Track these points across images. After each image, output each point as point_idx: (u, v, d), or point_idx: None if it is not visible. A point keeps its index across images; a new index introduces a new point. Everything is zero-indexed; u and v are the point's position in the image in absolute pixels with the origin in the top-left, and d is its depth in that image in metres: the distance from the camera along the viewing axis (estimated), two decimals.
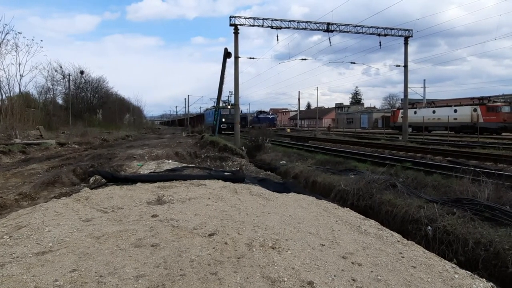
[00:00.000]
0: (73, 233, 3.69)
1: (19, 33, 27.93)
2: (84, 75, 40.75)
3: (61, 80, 37.55)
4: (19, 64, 25.31)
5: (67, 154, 14.73)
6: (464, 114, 34.19)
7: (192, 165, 10.73)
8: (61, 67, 36.85)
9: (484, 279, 3.15)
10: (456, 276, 3.05)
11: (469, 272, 3.25)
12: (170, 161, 11.68)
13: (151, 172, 8.78)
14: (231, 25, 22.76)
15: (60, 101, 38.85)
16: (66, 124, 30.13)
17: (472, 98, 36.44)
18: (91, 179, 8.17)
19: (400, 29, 25.82)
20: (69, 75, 36.74)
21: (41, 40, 45.88)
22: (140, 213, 4.51)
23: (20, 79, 25.56)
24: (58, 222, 4.10)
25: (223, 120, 39.25)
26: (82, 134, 25.07)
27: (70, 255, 3.10)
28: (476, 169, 8.46)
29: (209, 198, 5.48)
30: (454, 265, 3.41)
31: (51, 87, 35.98)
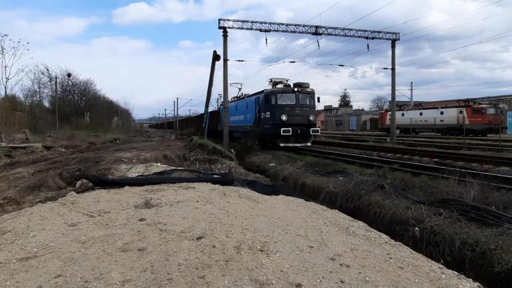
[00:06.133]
0: (59, 238, 3.63)
1: (5, 35, 27.51)
2: (71, 78, 40.39)
3: (48, 83, 37.21)
4: (5, 67, 24.94)
5: (54, 157, 14.50)
6: (450, 116, 34.75)
7: (180, 168, 10.65)
8: (48, 69, 36.51)
9: (470, 279, 3.19)
10: (443, 276, 3.08)
11: (456, 272, 3.28)
12: (158, 164, 11.59)
13: (139, 175, 8.69)
14: (220, 27, 22.70)
15: (46, 104, 38.44)
16: (53, 127, 29.70)
17: (458, 100, 37.01)
18: (78, 183, 8.04)
19: (388, 32, 26.16)
20: (56, 78, 36.35)
21: (28, 43, 45.19)
22: (127, 217, 4.46)
23: (6, 82, 25.16)
24: (43, 227, 4.03)
25: (283, 118, 18.77)
26: (69, 137, 24.74)
27: (55, 261, 3.04)
28: (462, 170, 8.58)
29: (197, 201, 5.44)
30: (441, 266, 3.44)
31: (37, 90, 35.65)
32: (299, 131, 18.62)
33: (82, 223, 4.19)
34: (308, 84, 20.38)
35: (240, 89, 31.06)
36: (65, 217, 4.47)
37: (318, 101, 20.66)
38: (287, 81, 21.64)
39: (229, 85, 24.49)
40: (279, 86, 21.13)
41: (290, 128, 18.25)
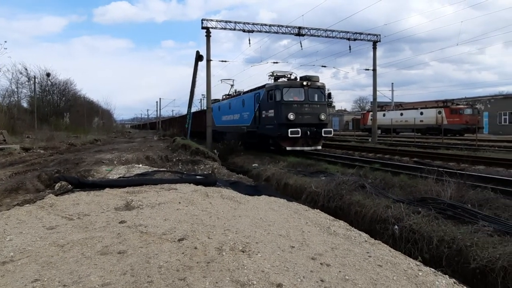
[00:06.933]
0: (36, 242, 3.56)
1: None
2: (50, 78, 39.39)
3: (26, 83, 36.25)
4: None
5: (32, 159, 14.15)
6: (430, 116, 35.49)
7: (163, 169, 10.56)
8: (26, 69, 35.54)
9: (447, 276, 3.28)
10: (420, 273, 3.16)
11: (433, 269, 3.38)
12: (140, 165, 11.45)
13: (120, 177, 8.58)
14: (203, 28, 22.55)
15: (25, 104, 37.48)
16: (32, 128, 28.96)
17: (436, 101, 37.82)
18: (57, 185, 7.87)
19: (369, 34, 26.53)
20: (34, 78, 35.42)
21: (5, 41, 44.09)
22: (107, 220, 4.40)
23: None
24: (21, 230, 3.95)
25: (290, 117, 15.98)
26: (48, 139, 24.15)
27: (33, 265, 2.98)
28: (440, 169, 8.78)
29: (179, 203, 5.42)
30: (418, 263, 3.53)
31: (15, 90, 34.70)
32: (308, 132, 15.87)
33: (60, 226, 4.12)
34: (317, 77, 17.49)
35: (232, 85, 28.72)
36: (43, 220, 4.38)
37: (330, 97, 18.22)
38: (290, 74, 19.06)
39: (220, 82, 22.69)
40: (282, 80, 18.39)
41: (298, 129, 15.46)
